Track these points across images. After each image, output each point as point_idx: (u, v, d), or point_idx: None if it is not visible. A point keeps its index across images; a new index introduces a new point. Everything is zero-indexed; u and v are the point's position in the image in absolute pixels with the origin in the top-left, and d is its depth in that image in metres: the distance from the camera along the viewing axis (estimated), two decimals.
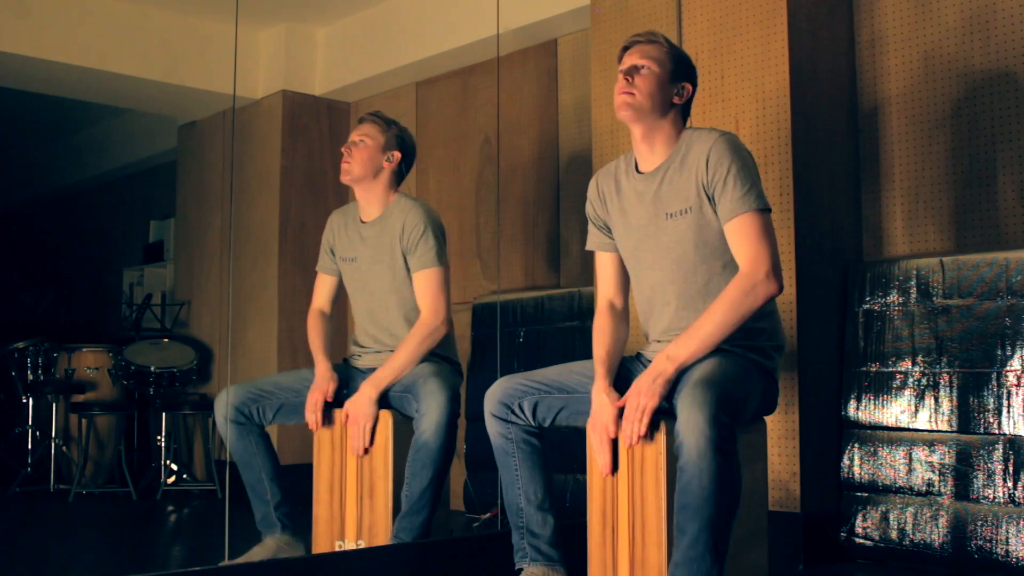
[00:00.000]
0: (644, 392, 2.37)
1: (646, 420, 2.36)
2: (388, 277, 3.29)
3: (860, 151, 3.71)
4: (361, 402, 3.13)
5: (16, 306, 8.36)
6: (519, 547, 2.68)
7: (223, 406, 3.23)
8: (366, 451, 3.14)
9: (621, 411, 2.46)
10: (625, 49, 2.63)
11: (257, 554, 3.21)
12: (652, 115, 2.56)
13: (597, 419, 2.48)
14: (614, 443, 2.48)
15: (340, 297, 3.53)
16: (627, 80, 2.56)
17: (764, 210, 2.47)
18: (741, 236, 2.45)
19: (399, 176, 3.39)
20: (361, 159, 3.30)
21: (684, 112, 2.64)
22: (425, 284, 3.23)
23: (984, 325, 3.22)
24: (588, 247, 2.80)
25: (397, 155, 3.34)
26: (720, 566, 2.23)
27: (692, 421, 2.20)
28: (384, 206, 3.35)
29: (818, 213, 3.52)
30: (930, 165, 3.55)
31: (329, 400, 3.21)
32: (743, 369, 2.43)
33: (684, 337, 2.40)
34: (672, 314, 2.57)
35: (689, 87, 2.62)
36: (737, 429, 2.30)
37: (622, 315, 2.73)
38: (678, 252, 2.55)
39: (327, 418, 3.23)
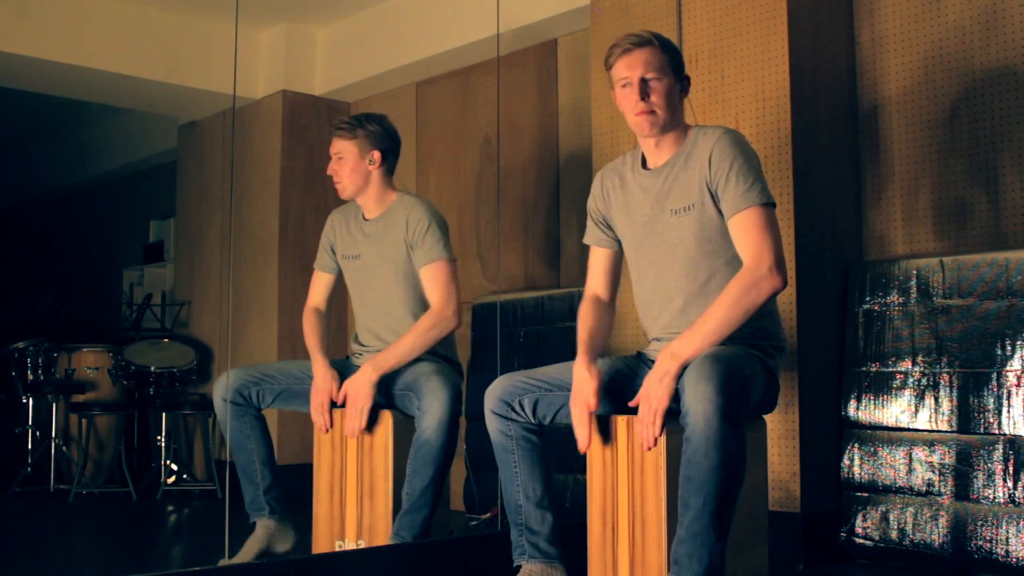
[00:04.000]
0: (654, 395, 2.37)
1: (659, 422, 2.36)
2: (392, 274, 3.29)
3: (860, 151, 3.71)
4: (360, 382, 3.12)
5: (16, 306, 8.36)
6: (518, 544, 2.68)
7: (222, 387, 3.23)
8: (364, 431, 3.12)
9: (607, 386, 2.51)
10: (618, 53, 2.58)
11: (251, 547, 3.21)
12: (670, 123, 2.58)
13: (578, 393, 2.50)
14: (600, 421, 2.52)
15: (340, 295, 3.53)
16: (642, 97, 2.54)
17: (768, 204, 2.47)
18: (744, 231, 2.45)
19: (390, 169, 3.38)
20: (347, 174, 3.31)
21: (682, 102, 2.65)
22: (435, 276, 3.23)
23: (984, 325, 3.22)
24: (585, 240, 2.82)
25: (377, 155, 3.33)
26: (723, 543, 2.23)
27: (699, 390, 2.20)
28: (385, 203, 3.35)
29: (818, 213, 3.52)
30: (930, 165, 3.55)
31: (334, 399, 3.21)
32: (747, 355, 2.44)
33: (688, 333, 2.40)
34: (675, 311, 2.58)
35: (688, 77, 2.65)
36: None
37: (606, 306, 2.76)
38: (681, 249, 2.55)
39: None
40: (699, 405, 2.20)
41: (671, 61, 2.60)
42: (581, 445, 2.50)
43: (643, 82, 2.55)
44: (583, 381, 2.51)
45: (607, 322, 2.75)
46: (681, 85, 2.61)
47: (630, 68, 2.56)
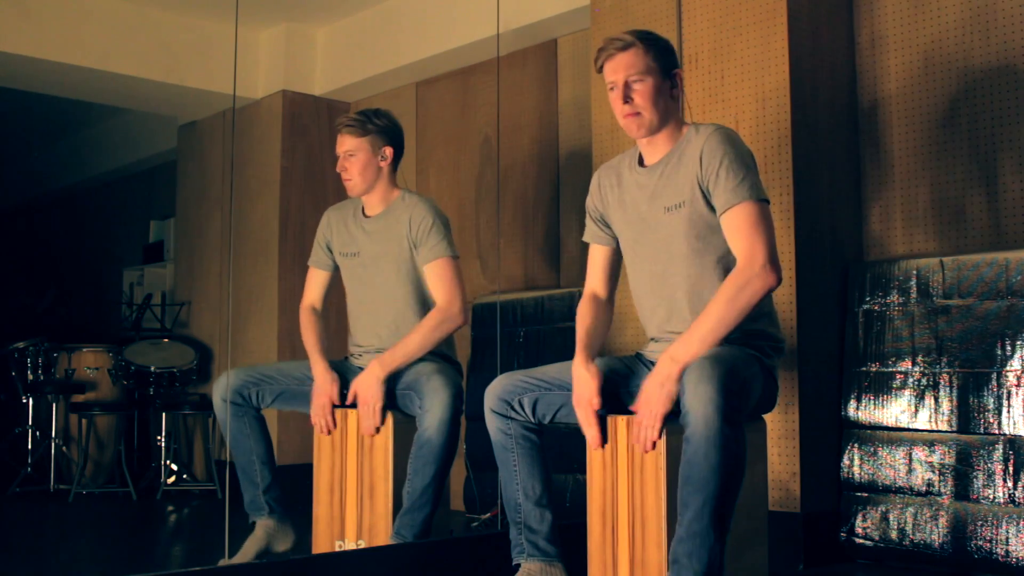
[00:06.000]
0: (655, 399, 2.38)
1: (659, 425, 2.37)
2: (393, 271, 3.28)
3: (860, 151, 3.71)
4: (368, 382, 3.12)
5: (16, 306, 8.35)
6: (517, 543, 2.69)
7: (222, 387, 3.23)
8: (377, 430, 3.13)
9: (604, 386, 2.51)
10: (604, 57, 2.60)
11: (251, 547, 3.22)
12: (660, 122, 2.58)
13: (580, 395, 2.51)
14: (602, 419, 2.51)
15: (339, 295, 3.53)
16: (625, 100, 2.56)
17: (759, 200, 2.46)
18: (736, 228, 2.45)
19: (395, 165, 3.37)
20: (359, 171, 3.29)
21: (676, 98, 2.63)
22: (439, 273, 3.22)
23: (984, 325, 3.22)
24: (584, 238, 2.84)
25: (389, 151, 3.33)
26: (723, 543, 2.23)
27: (700, 391, 2.21)
28: (387, 200, 3.35)
29: (818, 213, 3.52)
30: (930, 165, 3.55)
31: (335, 402, 3.21)
32: (746, 355, 2.44)
33: (686, 336, 2.41)
34: (671, 308, 2.58)
35: (679, 72, 2.62)
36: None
37: (605, 303, 2.78)
38: (675, 246, 2.56)
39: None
40: (699, 406, 2.20)
41: (657, 59, 2.58)
42: (594, 444, 2.51)
43: (626, 85, 2.56)
44: (583, 381, 2.52)
45: (605, 320, 2.76)
46: (671, 82, 2.60)
47: (614, 72, 2.58)
